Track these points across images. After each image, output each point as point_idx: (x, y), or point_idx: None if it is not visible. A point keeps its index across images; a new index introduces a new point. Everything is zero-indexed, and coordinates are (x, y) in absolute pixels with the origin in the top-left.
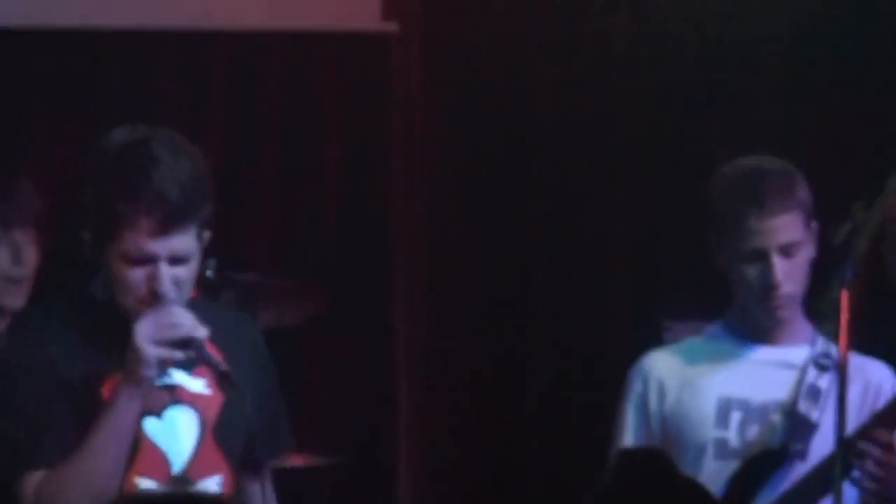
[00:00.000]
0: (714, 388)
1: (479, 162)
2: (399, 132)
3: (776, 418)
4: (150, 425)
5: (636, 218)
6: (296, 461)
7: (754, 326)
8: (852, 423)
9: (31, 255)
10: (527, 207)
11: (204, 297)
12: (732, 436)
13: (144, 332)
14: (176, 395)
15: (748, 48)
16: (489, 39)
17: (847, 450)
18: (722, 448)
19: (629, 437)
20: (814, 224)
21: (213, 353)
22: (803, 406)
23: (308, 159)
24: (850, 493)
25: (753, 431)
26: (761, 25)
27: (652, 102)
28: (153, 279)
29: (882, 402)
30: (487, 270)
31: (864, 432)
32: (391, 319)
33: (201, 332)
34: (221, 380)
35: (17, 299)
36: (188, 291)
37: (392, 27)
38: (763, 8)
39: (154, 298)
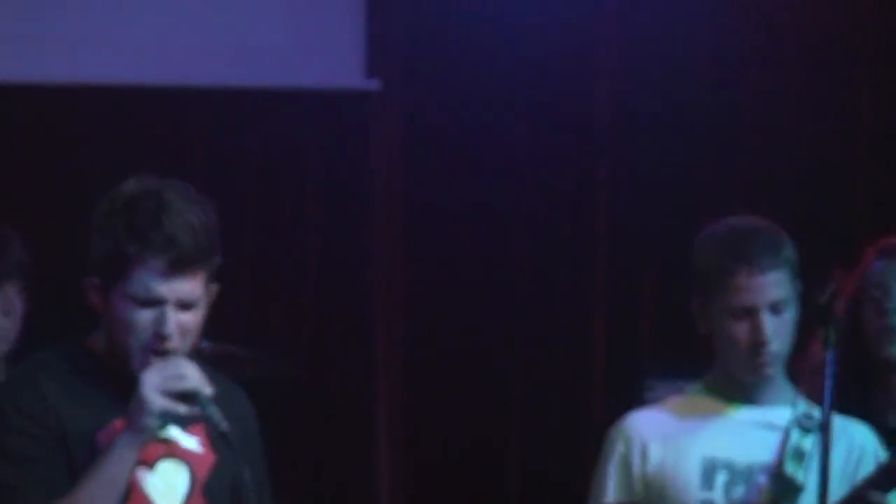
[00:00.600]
0: (698, 448)
1: (457, 219)
2: (380, 189)
3: (762, 480)
4: (142, 476)
5: (615, 277)
6: None
7: (737, 386)
8: (837, 484)
9: (18, 306)
10: (503, 266)
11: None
12: (718, 497)
13: (151, 382)
14: (170, 449)
15: (731, 110)
16: (470, 97)
17: None
18: None
19: (610, 497)
20: (797, 284)
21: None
22: (789, 468)
23: (288, 217)
24: None
25: (739, 492)
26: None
27: (632, 168)
28: (159, 322)
29: (865, 463)
30: (467, 331)
31: (858, 497)
32: (371, 385)
33: (207, 388)
34: (221, 440)
35: (3, 345)
36: (192, 340)
37: (375, 85)
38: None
39: (158, 342)
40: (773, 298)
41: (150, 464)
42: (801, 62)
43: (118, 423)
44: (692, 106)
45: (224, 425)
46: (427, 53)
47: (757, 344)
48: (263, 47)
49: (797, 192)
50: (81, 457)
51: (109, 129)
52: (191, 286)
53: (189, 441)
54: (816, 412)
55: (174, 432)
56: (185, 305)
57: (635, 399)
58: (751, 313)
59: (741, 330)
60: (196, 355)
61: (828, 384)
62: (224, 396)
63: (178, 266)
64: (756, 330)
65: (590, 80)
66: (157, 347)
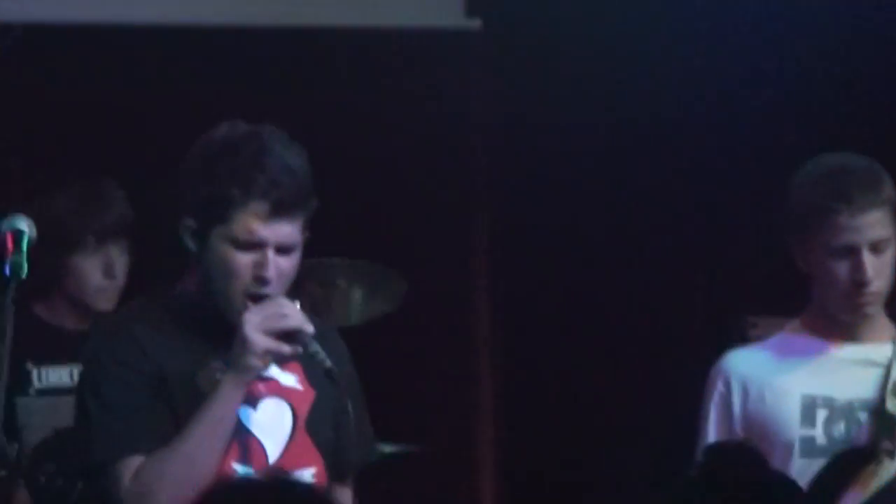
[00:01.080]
0: (798, 386)
1: (553, 155)
2: (477, 126)
3: (862, 416)
4: (246, 415)
5: (720, 215)
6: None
7: (837, 323)
8: None
9: (122, 265)
10: (600, 201)
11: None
12: (818, 434)
13: (253, 322)
14: (270, 388)
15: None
16: (570, 37)
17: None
18: (808, 446)
19: (712, 436)
20: None
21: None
22: (890, 404)
23: (386, 156)
24: None
25: (839, 429)
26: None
27: (728, 110)
28: (260, 265)
29: None
30: (563, 261)
31: None
32: (469, 316)
33: (309, 326)
34: (324, 376)
35: (108, 304)
36: (288, 284)
37: (475, 24)
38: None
39: (258, 284)
40: (873, 237)
41: (252, 403)
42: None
43: (218, 364)
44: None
45: (328, 362)
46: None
47: (857, 283)
48: None
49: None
50: (183, 400)
51: (205, 72)
52: (290, 230)
53: (288, 378)
54: None
55: (273, 370)
56: (284, 249)
57: (738, 336)
58: (851, 252)
59: (842, 269)
60: (296, 296)
61: None
62: (320, 335)
63: (280, 209)
64: (857, 269)
65: (690, 23)
66: (257, 291)
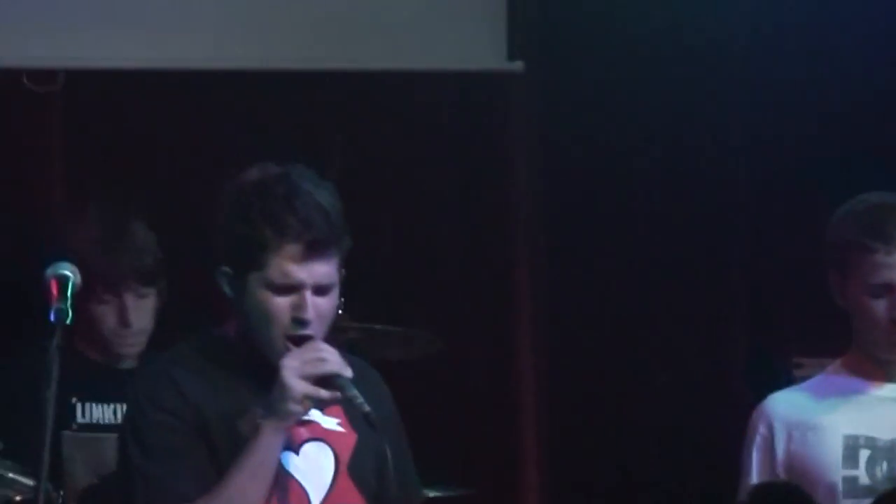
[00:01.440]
0: (839, 427)
1: (596, 198)
2: (521, 169)
3: None
4: (288, 460)
5: (764, 255)
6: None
7: (876, 362)
8: None
9: (141, 312)
10: (646, 240)
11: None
12: (861, 474)
13: (291, 368)
14: (312, 431)
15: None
16: (611, 79)
17: None
18: (852, 486)
19: (754, 478)
20: None
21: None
22: None
23: (428, 199)
24: None
25: (883, 469)
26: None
27: (772, 148)
28: (298, 307)
29: None
30: (609, 302)
31: None
32: (513, 358)
33: (347, 371)
34: (362, 420)
35: (130, 349)
36: (328, 325)
37: (518, 67)
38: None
39: (297, 326)
40: None
41: (294, 448)
42: None
43: (258, 409)
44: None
45: (366, 407)
46: (569, 35)
47: (895, 321)
48: (405, 28)
49: None
50: (224, 445)
51: (241, 114)
52: (327, 269)
53: (329, 421)
54: None
55: (314, 414)
56: (321, 290)
57: (784, 377)
58: (889, 290)
59: (879, 307)
60: (332, 339)
61: None
62: (361, 378)
63: (314, 249)
64: (894, 307)
65: (729, 59)
66: (297, 333)
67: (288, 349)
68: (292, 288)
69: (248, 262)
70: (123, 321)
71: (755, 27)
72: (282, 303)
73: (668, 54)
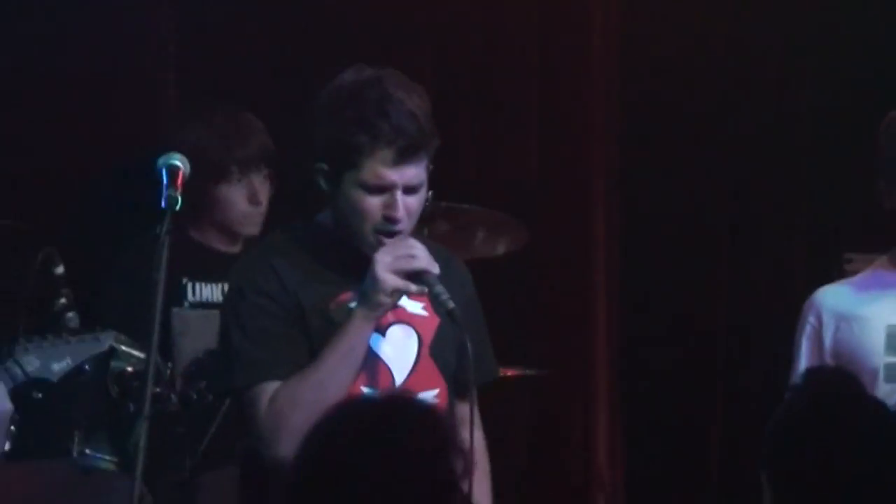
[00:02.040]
0: (882, 317)
1: (669, 114)
2: (598, 78)
3: None
4: (375, 342)
5: (821, 162)
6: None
7: None
8: None
9: (264, 193)
10: (714, 154)
11: (419, 229)
12: None
13: (384, 262)
14: (398, 315)
15: None
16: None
17: None
18: (893, 372)
19: (804, 365)
20: None
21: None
22: None
23: (511, 103)
24: None
25: None
26: None
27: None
28: (389, 206)
29: None
30: (677, 209)
31: None
32: (588, 252)
33: (435, 268)
34: (448, 317)
35: (254, 229)
36: (416, 219)
37: None
38: None
39: (388, 224)
40: None
41: (381, 330)
42: None
43: (347, 294)
44: None
45: (451, 303)
46: None
47: None
48: None
49: None
50: (318, 329)
51: (339, 17)
52: (416, 171)
53: (414, 306)
54: None
55: (404, 301)
56: (410, 189)
57: (836, 269)
58: None
59: None
60: (420, 234)
61: None
62: (445, 267)
63: (405, 153)
64: None
65: (766, 52)
66: (388, 229)
67: (380, 243)
68: (384, 189)
69: (343, 162)
70: (254, 200)
71: None
72: (374, 202)
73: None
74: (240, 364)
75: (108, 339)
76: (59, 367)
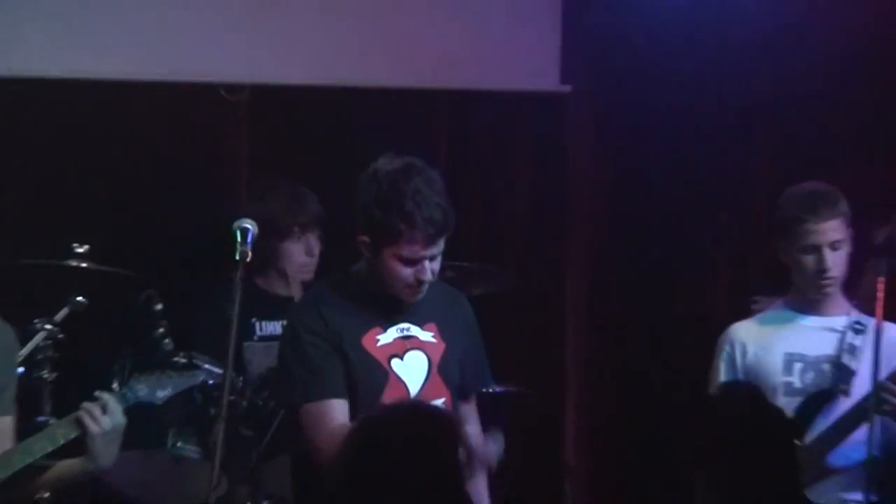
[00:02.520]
0: (780, 346)
1: (648, 211)
2: (575, 175)
3: (826, 367)
4: (396, 365)
5: (745, 233)
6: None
7: (808, 302)
8: (881, 372)
9: (317, 247)
10: (668, 218)
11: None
12: (796, 380)
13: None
14: (413, 343)
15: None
16: (657, 100)
17: (879, 390)
18: (789, 388)
19: (721, 379)
20: (850, 230)
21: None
22: (846, 358)
23: (502, 197)
24: (878, 421)
25: (810, 377)
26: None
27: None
28: (420, 272)
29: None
30: (635, 261)
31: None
32: (563, 292)
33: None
34: (448, 342)
35: (309, 276)
36: (436, 275)
37: (566, 89)
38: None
39: (418, 285)
40: (832, 239)
41: (400, 355)
42: None
43: (377, 329)
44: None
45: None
46: (616, 61)
47: (821, 271)
48: (474, 54)
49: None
50: (353, 356)
51: (357, 127)
52: (440, 246)
53: (426, 335)
54: (865, 318)
55: (415, 330)
56: (434, 258)
57: (747, 310)
58: (817, 250)
59: (810, 262)
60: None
61: (880, 299)
62: (450, 303)
63: (434, 237)
64: (821, 262)
65: (770, 80)
66: (415, 291)
67: (409, 297)
68: (416, 261)
69: (384, 240)
70: (310, 253)
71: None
72: (408, 271)
73: (693, 77)
74: (295, 386)
75: (200, 375)
76: (162, 394)
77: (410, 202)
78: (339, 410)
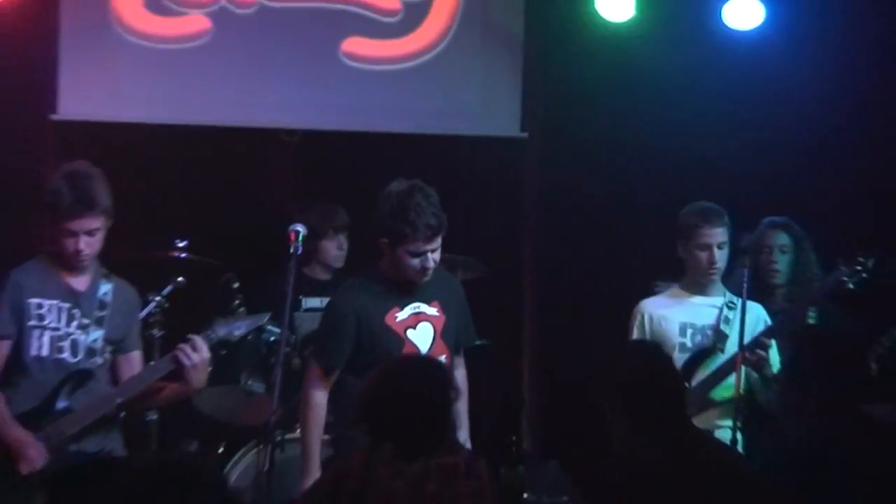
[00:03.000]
0: (677, 317)
1: (583, 225)
2: (528, 204)
3: (709, 332)
4: (410, 333)
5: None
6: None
7: (697, 285)
8: (746, 336)
9: (345, 245)
10: (612, 242)
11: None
12: (688, 341)
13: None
14: (422, 317)
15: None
16: (599, 148)
17: (745, 349)
18: (683, 348)
19: (633, 339)
20: (731, 234)
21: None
22: (722, 326)
23: (467, 218)
24: (743, 370)
25: (698, 339)
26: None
27: (670, 176)
28: (424, 261)
29: (759, 325)
30: (585, 268)
31: (756, 341)
32: (519, 279)
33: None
34: (448, 314)
35: (341, 264)
36: (438, 263)
37: (524, 135)
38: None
39: (425, 271)
40: (719, 241)
41: (413, 326)
42: None
43: (396, 309)
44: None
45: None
46: (563, 116)
47: (710, 264)
48: (455, 107)
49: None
50: (375, 330)
51: (371, 160)
52: (437, 244)
53: (431, 310)
54: (735, 299)
55: (424, 307)
56: (434, 251)
57: (651, 292)
58: (708, 248)
59: (702, 257)
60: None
61: (745, 287)
62: (448, 281)
63: (433, 237)
64: (710, 258)
65: (706, 134)
66: (423, 274)
67: (416, 279)
68: (421, 254)
69: (398, 241)
70: (341, 248)
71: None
72: (416, 261)
73: (644, 129)
74: (316, 345)
75: (263, 318)
76: (238, 332)
77: (413, 213)
78: (326, 379)
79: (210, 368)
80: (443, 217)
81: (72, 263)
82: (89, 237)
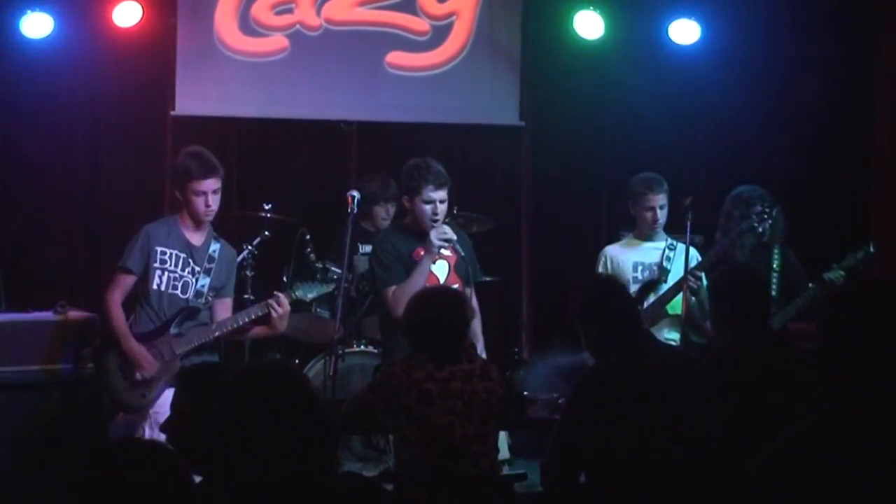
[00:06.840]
0: (631, 258)
1: (564, 206)
2: (524, 185)
3: (655, 268)
4: (432, 267)
5: (617, 202)
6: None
7: (645, 234)
8: (682, 272)
9: (392, 211)
10: (579, 209)
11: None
12: (639, 275)
13: (433, 234)
14: (440, 257)
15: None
16: (573, 133)
17: (685, 279)
18: (635, 280)
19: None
20: (670, 199)
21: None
22: (665, 263)
23: (484, 185)
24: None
25: (646, 273)
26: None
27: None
28: (434, 211)
29: (693, 262)
30: (568, 239)
31: (691, 272)
32: (517, 242)
33: (454, 236)
34: (458, 255)
35: (387, 223)
36: (445, 215)
37: (521, 123)
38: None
39: (436, 218)
40: (661, 204)
41: (434, 261)
42: None
43: (421, 249)
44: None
45: (462, 252)
46: (550, 111)
47: (654, 220)
48: (471, 104)
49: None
50: (407, 263)
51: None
52: (445, 192)
53: (447, 252)
54: (675, 243)
55: (442, 250)
56: (443, 201)
57: (615, 239)
58: (652, 209)
59: (649, 215)
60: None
61: (688, 233)
62: (459, 236)
63: (440, 186)
64: (654, 216)
65: (682, 129)
66: (434, 220)
67: (432, 227)
68: (432, 202)
69: (415, 192)
70: (388, 213)
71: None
72: (429, 209)
73: (609, 120)
74: (378, 279)
75: (332, 286)
76: (311, 295)
77: (424, 169)
78: (399, 291)
79: (288, 318)
80: (447, 176)
81: (201, 219)
82: (214, 195)
